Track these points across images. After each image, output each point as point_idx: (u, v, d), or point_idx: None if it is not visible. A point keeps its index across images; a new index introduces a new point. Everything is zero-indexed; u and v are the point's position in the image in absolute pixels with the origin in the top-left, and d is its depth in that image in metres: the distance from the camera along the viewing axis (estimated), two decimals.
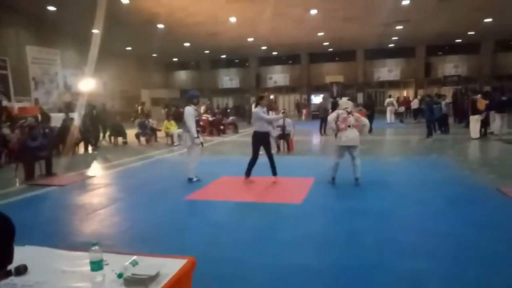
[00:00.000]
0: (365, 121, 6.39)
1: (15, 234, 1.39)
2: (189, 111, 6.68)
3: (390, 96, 21.71)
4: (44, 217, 5.03)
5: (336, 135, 6.33)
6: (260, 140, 6.70)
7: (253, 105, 18.50)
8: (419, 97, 23.52)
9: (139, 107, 17.54)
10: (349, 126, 6.08)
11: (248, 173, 6.82)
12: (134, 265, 1.96)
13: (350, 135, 6.07)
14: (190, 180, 6.85)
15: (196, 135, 6.67)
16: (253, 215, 4.89)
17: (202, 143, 6.99)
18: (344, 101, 6.60)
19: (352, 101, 7.04)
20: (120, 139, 13.68)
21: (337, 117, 6.17)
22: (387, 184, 6.31)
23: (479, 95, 12.50)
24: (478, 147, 10.75)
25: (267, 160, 6.70)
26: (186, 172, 6.95)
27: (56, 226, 4.60)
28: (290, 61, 34.05)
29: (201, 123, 16.36)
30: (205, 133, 16.06)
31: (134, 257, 2.04)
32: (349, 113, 6.18)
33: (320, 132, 14.83)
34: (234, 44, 26.29)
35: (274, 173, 6.71)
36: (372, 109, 15.68)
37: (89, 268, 1.95)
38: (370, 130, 14.09)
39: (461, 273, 3.11)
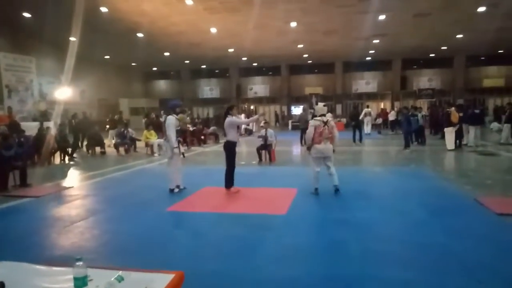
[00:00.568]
0: (337, 133, 6.46)
1: None
2: (171, 121, 6.60)
3: (367, 107, 22.14)
4: (19, 230, 4.81)
5: (309, 147, 6.36)
6: (232, 149, 6.76)
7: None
8: (396, 109, 24.10)
9: (117, 116, 17.17)
10: (325, 139, 6.20)
11: (228, 184, 6.78)
12: (119, 281, 1.88)
13: (323, 147, 6.22)
14: (171, 191, 6.74)
15: (175, 145, 6.59)
16: (237, 227, 4.83)
17: (183, 154, 6.89)
18: (320, 107, 6.62)
19: (330, 112, 7.05)
20: (98, 149, 13.36)
21: (314, 129, 6.23)
22: (369, 194, 6.39)
23: (453, 108, 12.94)
24: (454, 158, 11.06)
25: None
26: (168, 183, 6.83)
27: (33, 239, 4.41)
28: (271, 72, 34.40)
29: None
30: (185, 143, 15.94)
31: (120, 272, 1.96)
32: (325, 123, 6.23)
33: (301, 143, 14.95)
34: (215, 55, 26.38)
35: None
36: (358, 120, 16.07)
37: (72, 284, 1.86)
38: (360, 140, 15.10)
39: (444, 282, 3.15)
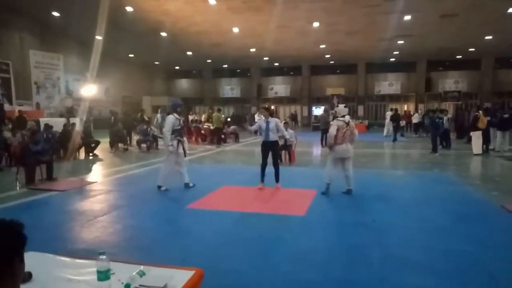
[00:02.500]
0: (357, 134, 6.54)
1: (24, 244, 1.32)
2: (170, 119, 6.74)
3: (391, 110, 21.81)
4: (44, 222, 4.96)
5: (331, 147, 6.42)
6: (268, 148, 6.96)
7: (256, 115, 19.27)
8: (420, 111, 23.54)
9: (139, 114, 17.50)
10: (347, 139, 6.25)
11: (261, 178, 7.03)
12: (141, 276, 1.91)
13: (345, 148, 6.26)
14: (159, 188, 6.81)
15: (169, 143, 6.65)
16: (256, 226, 4.83)
17: (185, 152, 7.00)
18: (341, 108, 6.66)
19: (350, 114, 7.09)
20: (121, 145, 13.65)
21: (337, 130, 6.25)
22: (391, 198, 6.27)
23: (480, 111, 12.55)
24: (480, 163, 10.73)
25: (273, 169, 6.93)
26: (182, 180, 6.94)
27: (57, 231, 4.54)
28: (292, 73, 34.25)
29: (202, 131, 16.50)
30: (205, 142, 16.08)
31: (141, 267, 1.99)
32: (347, 123, 6.29)
33: (321, 144, 14.83)
34: (236, 54, 26.48)
35: (276, 179, 7.02)
36: (398, 121, 17.81)
37: (95, 277, 1.90)
38: (395, 140, 16.82)
39: None
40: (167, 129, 6.65)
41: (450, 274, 3.37)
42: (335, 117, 6.61)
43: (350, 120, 6.43)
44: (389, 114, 20.60)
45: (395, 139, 16.84)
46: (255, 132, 7.36)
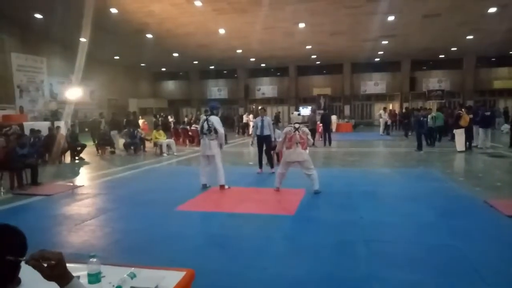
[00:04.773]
0: (311, 140, 7.01)
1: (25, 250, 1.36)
2: (217, 120, 7.02)
3: (384, 109, 22.24)
4: (30, 227, 4.82)
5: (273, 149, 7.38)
6: (262, 140, 8.75)
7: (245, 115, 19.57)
8: (403, 110, 23.92)
9: (125, 118, 17.31)
10: (296, 144, 6.47)
11: (259, 165, 8.89)
12: (132, 278, 1.92)
13: (292, 151, 6.51)
14: (222, 187, 6.92)
15: (223, 141, 7.15)
16: (245, 227, 4.86)
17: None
18: (295, 116, 7.12)
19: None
20: (108, 149, 13.51)
21: (285, 137, 6.60)
22: (377, 195, 6.37)
23: (463, 109, 12.83)
24: (463, 160, 10.96)
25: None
26: (217, 180, 7.00)
27: (44, 237, 4.47)
28: (279, 73, 34.35)
29: (189, 132, 16.43)
30: (194, 143, 16.01)
31: (132, 269, 2.00)
32: (296, 129, 6.53)
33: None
34: (223, 55, 26.43)
35: (271, 166, 8.84)
36: (409, 119, 19.40)
37: (85, 280, 1.90)
38: (406, 135, 18.75)
39: (453, 285, 3.14)
40: (222, 129, 7.03)
41: (436, 269, 3.45)
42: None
43: (301, 127, 6.69)
44: (382, 113, 21.05)
45: (406, 135, 18.73)
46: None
